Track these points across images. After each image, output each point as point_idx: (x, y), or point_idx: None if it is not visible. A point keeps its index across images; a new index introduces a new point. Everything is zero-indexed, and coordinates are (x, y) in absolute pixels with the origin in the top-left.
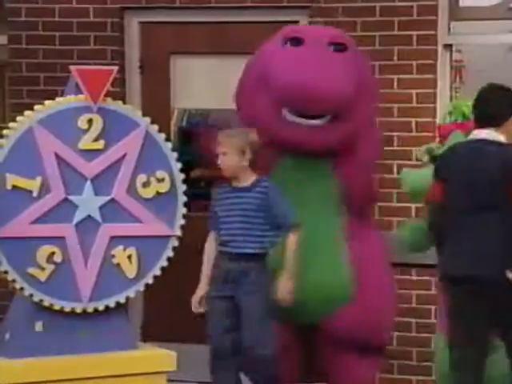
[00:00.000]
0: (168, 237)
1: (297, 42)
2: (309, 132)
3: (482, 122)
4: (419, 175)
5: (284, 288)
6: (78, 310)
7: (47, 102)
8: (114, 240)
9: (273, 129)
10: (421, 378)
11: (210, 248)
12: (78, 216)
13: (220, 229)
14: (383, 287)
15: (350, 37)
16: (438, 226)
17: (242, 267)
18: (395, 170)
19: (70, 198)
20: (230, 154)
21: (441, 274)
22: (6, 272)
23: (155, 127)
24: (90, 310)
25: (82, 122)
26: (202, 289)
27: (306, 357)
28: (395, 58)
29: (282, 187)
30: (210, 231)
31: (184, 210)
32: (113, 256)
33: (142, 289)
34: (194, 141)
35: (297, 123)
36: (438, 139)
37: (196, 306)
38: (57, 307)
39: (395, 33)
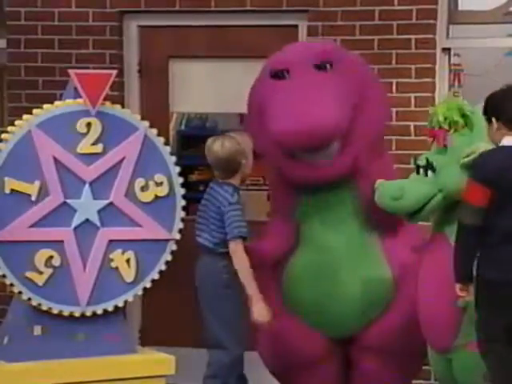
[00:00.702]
0: (166, 240)
1: (282, 74)
2: (316, 167)
3: None
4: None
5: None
6: (77, 314)
7: (46, 106)
8: (113, 244)
9: (281, 167)
10: (419, 381)
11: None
12: (77, 220)
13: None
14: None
15: (339, 46)
16: (478, 229)
17: None
18: None
19: (69, 201)
20: None
21: (491, 277)
22: (4, 276)
23: (154, 131)
24: (88, 313)
25: (80, 126)
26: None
27: (342, 369)
28: (394, 61)
29: (312, 217)
30: (243, 239)
31: (183, 214)
32: (111, 260)
33: (140, 293)
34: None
35: (302, 160)
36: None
37: None
38: (55, 311)
39: (394, 36)
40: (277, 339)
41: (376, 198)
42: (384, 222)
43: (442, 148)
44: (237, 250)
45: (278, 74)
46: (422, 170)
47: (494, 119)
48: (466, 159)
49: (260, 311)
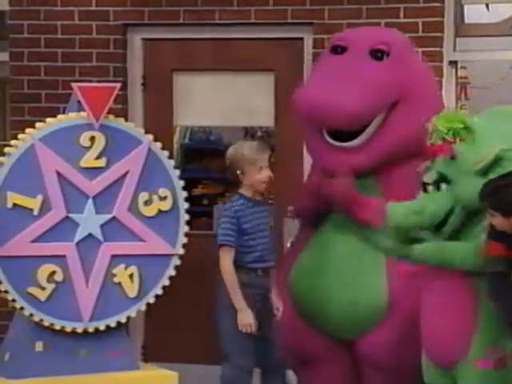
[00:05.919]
0: (170, 255)
1: (341, 49)
2: (344, 154)
3: None
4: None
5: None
6: (79, 330)
7: (49, 120)
8: (116, 259)
9: (312, 152)
10: None
11: (232, 266)
12: (79, 234)
13: (248, 246)
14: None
15: (404, 38)
16: None
17: (268, 281)
18: None
19: (72, 216)
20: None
21: None
22: (6, 291)
23: (158, 144)
24: (90, 329)
25: (84, 140)
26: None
27: (351, 368)
28: None
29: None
30: (229, 247)
31: (186, 229)
32: (114, 275)
33: (143, 308)
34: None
35: (334, 146)
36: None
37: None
38: (57, 327)
39: None
40: (284, 334)
41: (390, 217)
42: None
43: (448, 160)
44: (220, 257)
45: (335, 50)
46: (431, 187)
47: None
48: (478, 166)
49: (242, 317)
